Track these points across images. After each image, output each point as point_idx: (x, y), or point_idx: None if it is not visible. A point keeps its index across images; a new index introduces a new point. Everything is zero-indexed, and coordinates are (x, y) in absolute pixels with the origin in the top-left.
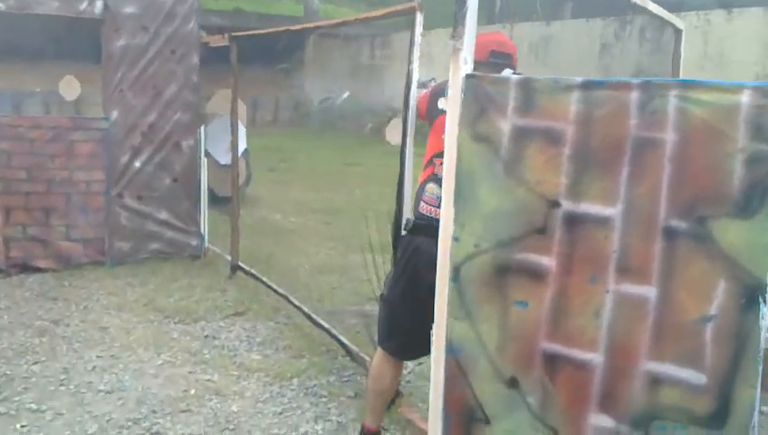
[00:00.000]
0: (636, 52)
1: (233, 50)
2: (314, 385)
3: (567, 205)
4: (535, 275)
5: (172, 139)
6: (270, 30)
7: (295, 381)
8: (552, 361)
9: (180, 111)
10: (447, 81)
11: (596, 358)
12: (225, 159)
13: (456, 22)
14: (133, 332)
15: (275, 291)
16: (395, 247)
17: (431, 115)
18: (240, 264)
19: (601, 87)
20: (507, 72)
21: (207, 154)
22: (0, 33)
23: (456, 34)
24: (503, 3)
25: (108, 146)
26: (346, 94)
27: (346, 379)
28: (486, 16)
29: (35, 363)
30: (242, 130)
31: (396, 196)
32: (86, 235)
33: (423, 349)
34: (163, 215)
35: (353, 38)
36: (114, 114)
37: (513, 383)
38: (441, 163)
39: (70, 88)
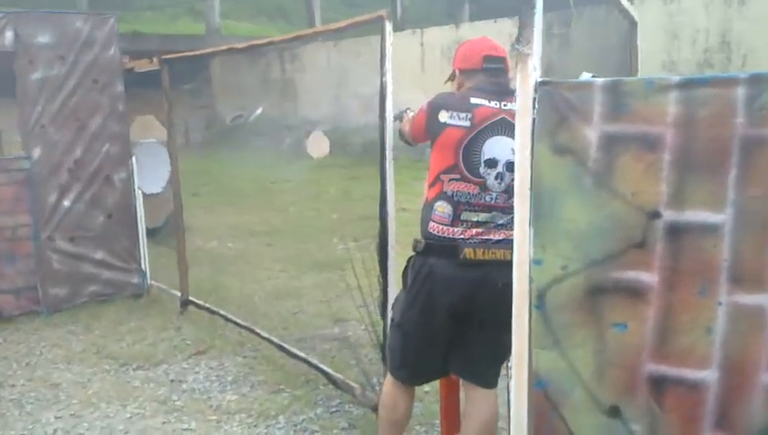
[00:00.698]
0: (545, 49)
1: (164, 73)
2: (303, 420)
3: (669, 214)
4: (635, 293)
5: (102, 173)
6: (205, 50)
7: (281, 418)
8: (658, 384)
9: (108, 143)
10: (444, 93)
11: (709, 375)
12: (151, 188)
13: (523, 25)
14: (89, 385)
15: (237, 323)
16: (383, 268)
17: (433, 131)
18: (191, 298)
19: (703, 85)
20: (584, 76)
21: None
22: None
23: (524, 39)
24: (403, 10)
25: (32, 187)
26: (259, 110)
27: (334, 409)
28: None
29: None
30: (165, 157)
31: (379, 216)
32: (16, 284)
33: (437, 373)
34: (99, 254)
35: (261, 53)
36: (36, 152)
37: (614, 412)
38: (451, 179)
39: None
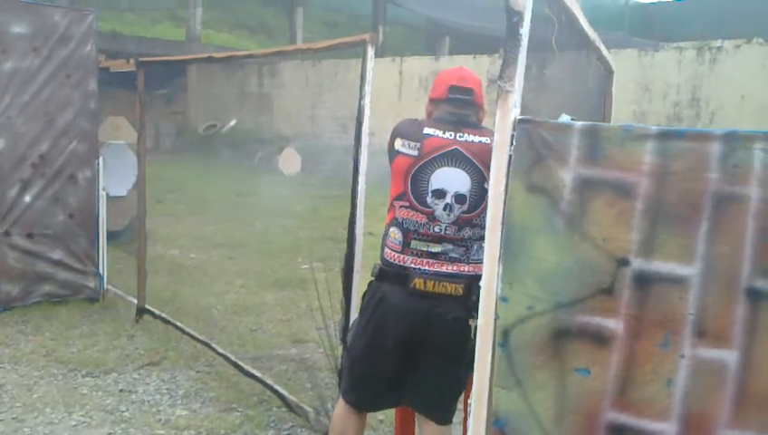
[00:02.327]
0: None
1: (139, 75)
2: None
3: (638, 263)
4: (600, 339)
5: (67, 170)
6: (185, 57)
7: None
8: (617, 432)
9: (76, 141)
10: (406, 120)
11: (669, 428)
12: (117, 190)
13: (506, 62)
14: (35, 388)
15: (192, 336)
16: (346, 292)
17: (390, 157)
18: (147, 307)
19: (680, 138)
20: (564, 118)
21: None
22: None
23: (506, 76)
24: (385, 37)
25: None
26: (233, 122)
27: (286, 432)
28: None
29: None
30: (132, 160)
31: (347, 238)
32: None
33: (385, 402)
34: (57, 254)
35: (240, 65)
36: (0, 144)
37: None
38: (401, 206)
39: None
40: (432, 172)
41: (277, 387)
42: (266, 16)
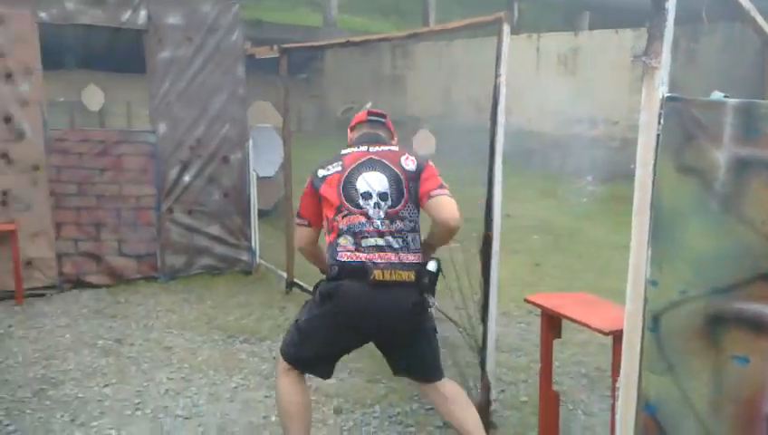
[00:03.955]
0: (671, 63)
1: (282, 62)
2: (398, 413)
3: None
4: (759, 326)
5: (220, 153)
6: (323, 42)
7: (377, 407)
8: None
9: (228, 125)
10: (319, 162)
11: None
12: (265, 171)
13: (651, 36)
14: (199, 352)
15: None
16: (485, 273)
17: (317, 186)
18: (296, 280)
19: None
20: (716, 95)
21: None
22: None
23: (652, 51)
24: (520, 14)
25: (157, 160)
26: (369, 104)
27: (430, 407)
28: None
29: (106, 386)
30: (278, 142)
31: (484, 219)
32: (138, 250)
33: (324, 371)
34: (214, 230)
35: (374, 48)
36: (162, 127)
37: None
38: (342, 217)
39: (93, 98)
40: (356, 179)
41: None
42: None
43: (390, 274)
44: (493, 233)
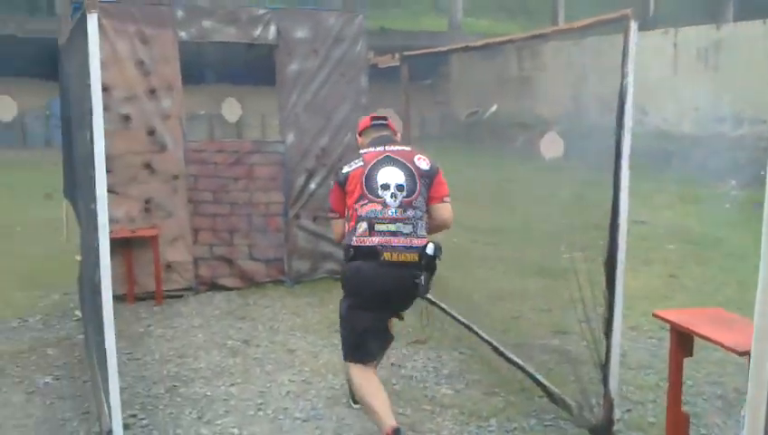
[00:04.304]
0: None
1: (403, 70)
2: (514, 428)
3: None
4: None
5: (343, 161)
6: (442, 48)
7: (493, 421)
8: None
9: (351, 133)
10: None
11: None
12: None
13: None
14: (321, 355)
15: (456, 319)
16: (610, 285)
17: (342, 182)
18: None
19: None
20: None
21: None
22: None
23: None
24: (656, 8)
25: (285, 168)
26: (494, 108)
27: (549, 423)
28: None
29: (232, 385)
30: None
31: (609, 227)
32: (267, 255)
33: (380, 348)
34: None
35: (499, 51)
36: (290, 137)
37: None
38: (362, 205)
39: (231, 110)
40: (377, 172)
41: (539, 377)
42: None
43: (397, 256)
44: (618, 242)
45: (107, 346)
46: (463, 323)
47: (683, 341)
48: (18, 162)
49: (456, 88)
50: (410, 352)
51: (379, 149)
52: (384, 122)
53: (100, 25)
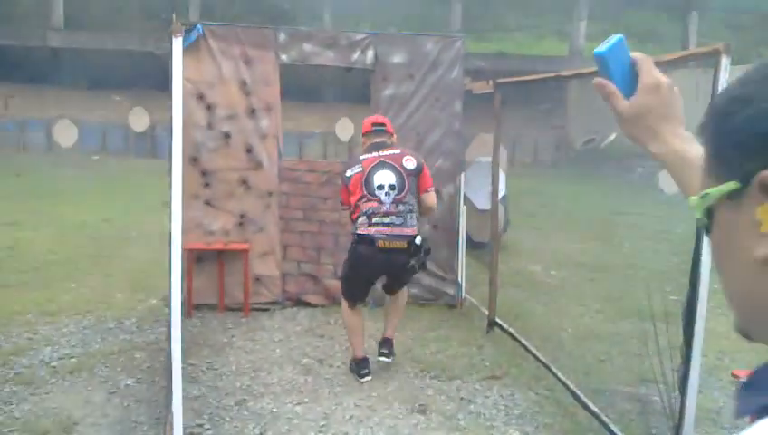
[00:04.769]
0: None
1: (496, 97)
2: None
3: None
4: None
5: (433, 186)
6: (535, 77)
7: None
8: None
9: (442, 158)
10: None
11: None
12: (483, 204)
13: None
14: (390, 382)
15: (536, 357)
16: (687, 338)
17: (346, 182)
18: (497, 320)
19: None
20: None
21: (466, 199)
22: (285, 80)
23: None
24: None
25: None
26: (613, 136)
27: None
28: None
29: (299, 404)
30: (502, 176)
31: (690, 276)
32: None
33: (365, 295)
34: None
35: None
36: None
37: None
38: (363, 203)
39: (344, 129)
40: (373, 176)
41: (615, 429)
42: (658, 23)
43: (389, 243)
44: (699, 291)
45: (173, 357)
46: (542, 362)
47: None
48: (147, 171)
49: (572, 113)
50: (483, 388)
51: (374, 154)
52: (382, 128)
53: (209, 46)
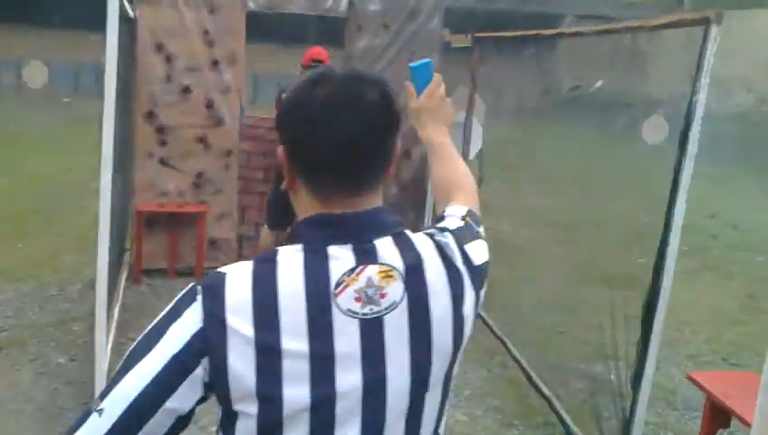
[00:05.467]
0: None
1: (474, 52)
2: None
3: None
4: None
5: (402, 147)
6: (516, 33)
7: None
8: None
9: None
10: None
11: None
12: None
13: None
14: None
15: (492, 331)
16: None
17: None
18: None
19: None
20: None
21: None
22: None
23: None
24: None
25: None
26: (599, 83)
27: None
28: None
29: None
30: (478, 131)
31: (655, 260)
32: None
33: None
34: None
35: (614, 22)
36: None
37: None
38: None
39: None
40: None
41: (564, 414)
42: None
43: None
44: (668, 248)
45: (96, 342)
46: (498, 337)
47: (718, 410)
48: None
49: (561, 57)
50: None
51: None
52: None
53: None
